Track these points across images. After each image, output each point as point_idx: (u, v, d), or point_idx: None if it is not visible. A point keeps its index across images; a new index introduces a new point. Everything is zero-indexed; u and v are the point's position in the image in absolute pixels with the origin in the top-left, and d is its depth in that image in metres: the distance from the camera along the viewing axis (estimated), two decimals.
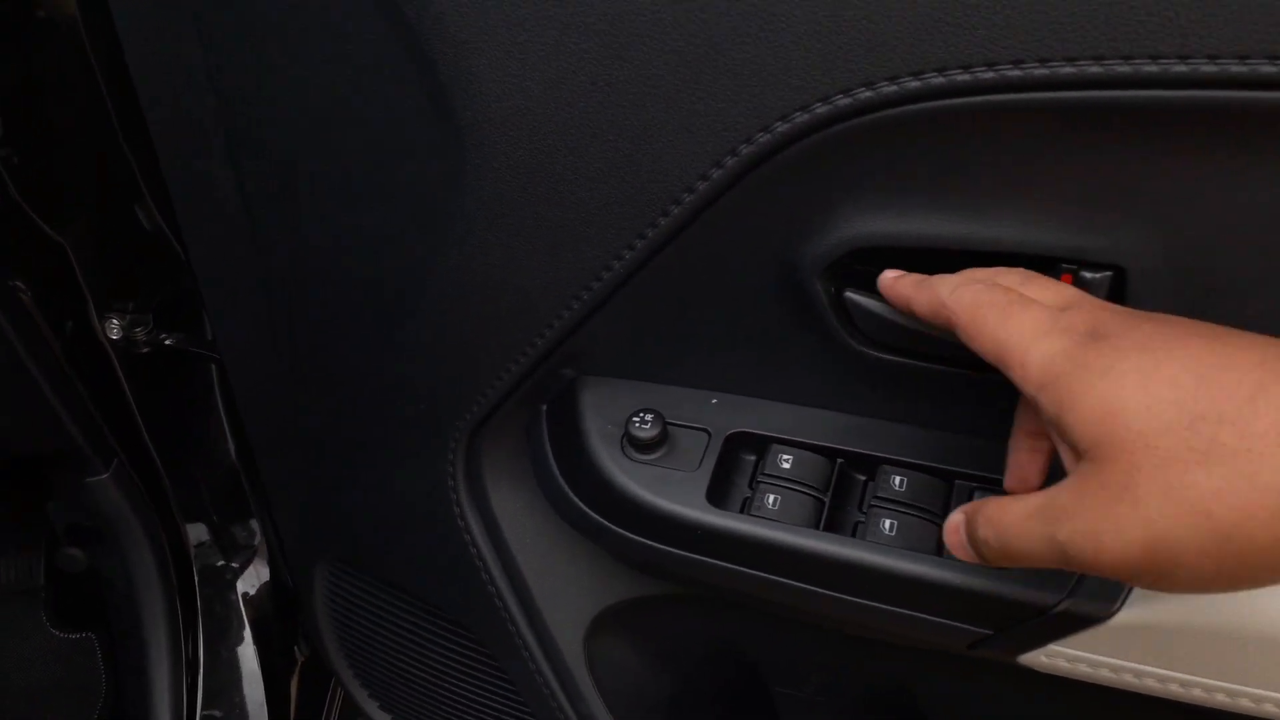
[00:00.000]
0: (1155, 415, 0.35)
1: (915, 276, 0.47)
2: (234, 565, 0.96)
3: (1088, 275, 0.45)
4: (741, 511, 0.53)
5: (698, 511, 0.52)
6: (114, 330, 0.81)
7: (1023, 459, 0.46)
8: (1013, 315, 0.41)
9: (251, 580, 0.97)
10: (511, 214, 0.53)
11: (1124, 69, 0.39)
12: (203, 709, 0.93)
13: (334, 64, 0.53)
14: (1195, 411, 0.34)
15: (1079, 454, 0.37)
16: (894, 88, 0.42)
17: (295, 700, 1.00)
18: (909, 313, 0.46)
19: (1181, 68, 0.39)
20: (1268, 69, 0.38)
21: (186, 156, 0.62)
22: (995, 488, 0.52)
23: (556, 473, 0.59)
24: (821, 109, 0.44)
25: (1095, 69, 0.40)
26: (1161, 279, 0.44)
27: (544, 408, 0.62)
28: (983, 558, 0.41)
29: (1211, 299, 0.45)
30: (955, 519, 0.43)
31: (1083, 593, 0.47)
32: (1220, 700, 0.49)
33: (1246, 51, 0.37)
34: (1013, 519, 0.39)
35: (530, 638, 0.67)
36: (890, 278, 0.48)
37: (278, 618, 0.98)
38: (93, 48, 0.71)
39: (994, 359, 0.41)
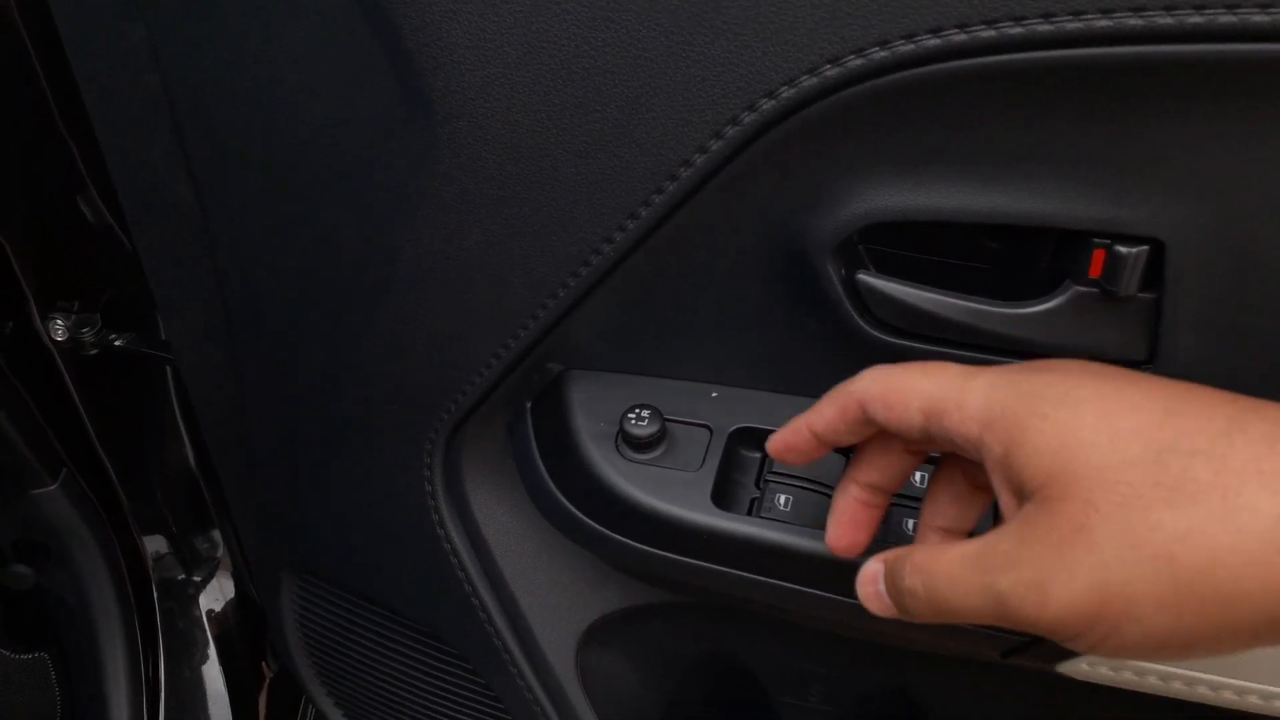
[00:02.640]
0: (1118, 448, 0.31)
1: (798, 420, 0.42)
2: (196, 578, 0.90)
3: (1122, 250, 0.41)
4: (750, 513, 0.49)
5: (704, 515, 0.48)
6: (58, 331, 0.76)
7: (950, 512, 0.42)
8: (934, 367, 0.38)
9: (215, 594, 0.91)
10: (488, 193, 0.48)
11: (1166, 20, 0.36)
12: None
13: (282, 34, 0.48)
14: (1163, 443, 0.31)
15: (1026, 494, 0.33)
16: (911, 46, 0.38)
17: (264, 718, 0.95)
18: (815, 436, 0.41)
19: (1229, 18, 0.35)
20: None
21: (129, 142, 0.57)
22: None
23: (545, 475, 0.55)
24: (831, 71, 0.40)
25: (1134, 21, 0.36)
26: (1203, 252, 0.41)
27: (528, 405, 0.57)
28: (905, 610, 0.37)
29: (1255, 273, 0.41)
30: (872, 568, 0.39)
31: None
32: (1228, 699, 0.46)
33: None
34: (945, 567, 0.35)
35: (518, 652, 0.62)
36: (776, 440, 0.43)
37: (244, 632, 0.93)
38: (25, 22, 0.66)
39: (919, 419, 0.37)
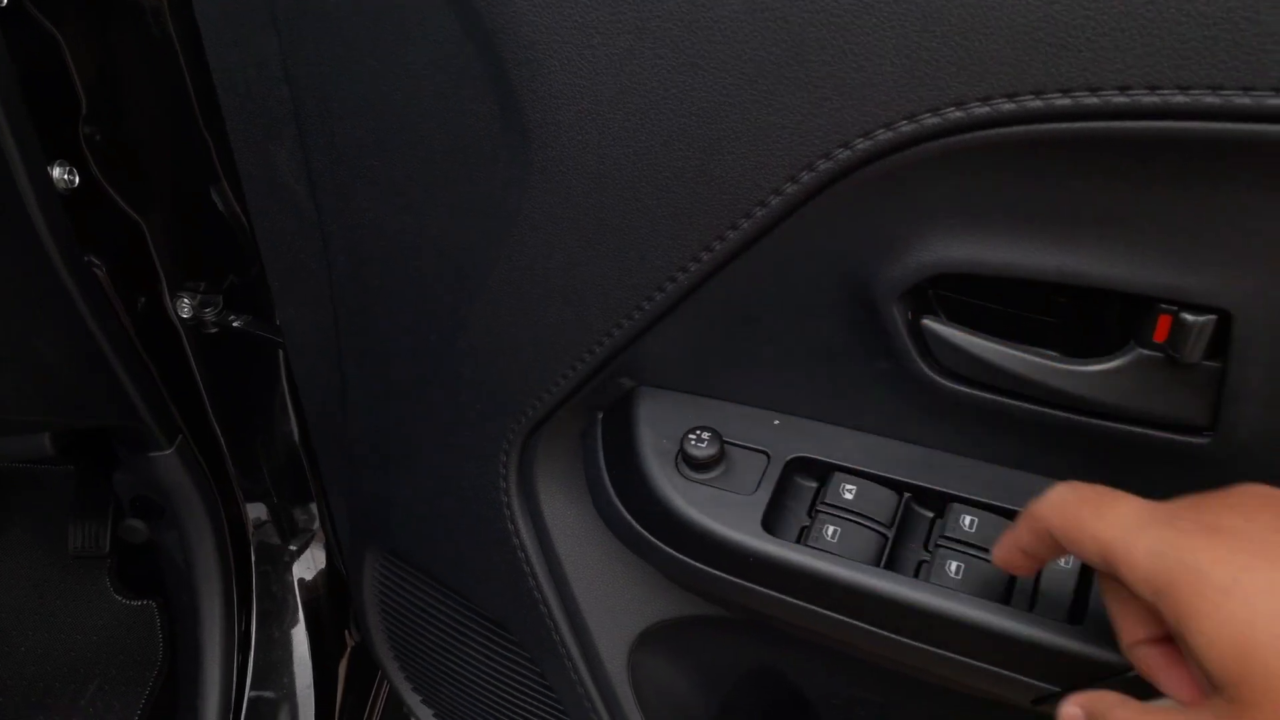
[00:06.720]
0: None
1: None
2: (292, 547, 0.97)
3: (1189, 318, 0.42)
4: (798, 541, 0.51)
5: (752, 538, 0.50)
6: (184, 309, 0.82)
7: (1169, 676, 0.39)
8: (1107, 506, 0.38)
9: (308, 563, 0.97)
10: (575, 218, 0.51)
11: (1244, 100, 0.36)
12: (252, 688, 0.95)
13: (402, 60, 0.52)
14: None
15: (1213, 683, 0.33)
16: (986, 109, 0.40)
17: (343, 684, 1.01)
18: (1024, 553, 0.43)
19: None
20: None
21: (258, 144, 0.62)
22: None
23: (608, 484, 0.58)
24: (907, 127, 0.41)
25: (1211, 99, 0.36)
26: (1271, 326, 0.41)
27: (600, 416, 0.60)
28: None
29: None
30: (1071, 711, 0.40)
31: None
32: None
33: None
34: None
35: (573, 646, 0.66)
36: (996, 556, 0.45)
37: (331, 602, 0.99)
38: (177, 29, 0.72)
39: (1099, 561, 0.38)
